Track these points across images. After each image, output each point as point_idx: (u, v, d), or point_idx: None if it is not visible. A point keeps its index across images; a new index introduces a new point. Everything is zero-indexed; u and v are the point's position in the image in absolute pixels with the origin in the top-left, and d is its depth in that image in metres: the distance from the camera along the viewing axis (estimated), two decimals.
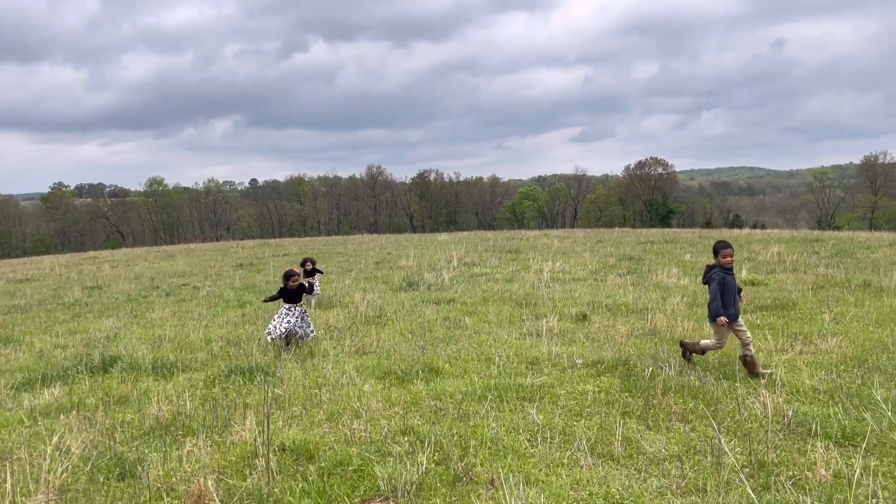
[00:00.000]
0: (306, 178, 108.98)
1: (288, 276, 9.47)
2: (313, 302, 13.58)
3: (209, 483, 4.60)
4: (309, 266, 13.91)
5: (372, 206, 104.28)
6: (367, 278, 17.69)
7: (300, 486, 4.66)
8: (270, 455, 5.04)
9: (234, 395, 7.13)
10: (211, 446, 5.61)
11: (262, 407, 6.48)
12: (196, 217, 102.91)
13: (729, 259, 7.13)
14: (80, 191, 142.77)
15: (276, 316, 9.44)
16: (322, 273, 14.82)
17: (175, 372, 8.34)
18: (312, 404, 6.69)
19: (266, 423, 5.25)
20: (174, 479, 4.97)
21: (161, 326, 11.79)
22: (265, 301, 10.08)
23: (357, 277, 18.00)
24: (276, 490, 4.58)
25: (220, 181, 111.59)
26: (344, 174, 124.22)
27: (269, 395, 6.96)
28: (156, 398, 6.92)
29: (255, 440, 5.46)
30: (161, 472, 5.09)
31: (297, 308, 9.37)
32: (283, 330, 9.16)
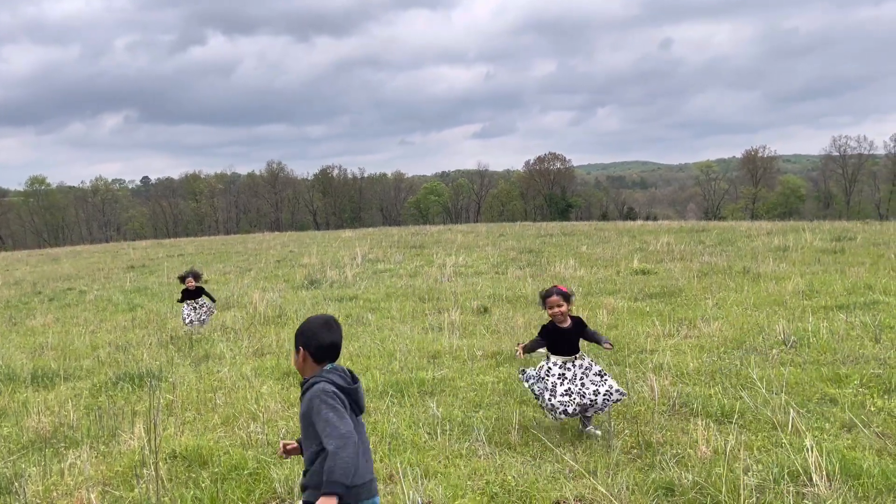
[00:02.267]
0: (202, 175, 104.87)
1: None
2: (202, 329, 10.32)
3: (92, 496, 4.37)
4: (191, 283, 10.48)
5: (273, 204, 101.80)
6: (268, 277, 17.31)
7: (192, 493, 4.50)
8: (160, 462, 4.84)
9: (123, 402, 6.81)
10: (96, 457, 5.33)
11: (151, 413, 6.21)
12: (83, 217, 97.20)
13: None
14: None
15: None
16: (214, 301, 11.01)
17: (57, 381, 7.87)
18: (207, 409, 6.48)
19: (153, 429, 5.04)
20: (55, 494, 4.70)
21: (43, 334, 11.10)
22: None
23: (256, 277, 17.58)
24: (165, 499, 4.40)
25: (109, 179, 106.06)
26: (242, 171, 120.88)
27: (156, 399, 6.68)
28: (35, 410, 6.51)
29: (143, 448, 5.23)
30: (40, 488, 4.79)
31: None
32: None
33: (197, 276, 10.79)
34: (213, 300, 10.88)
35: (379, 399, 6.43)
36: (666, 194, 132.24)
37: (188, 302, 10.53)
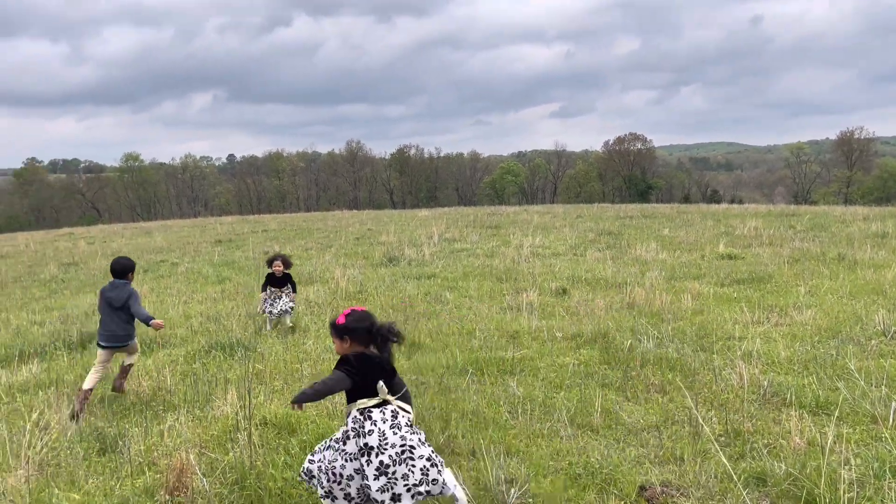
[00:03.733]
0: (285, 154, 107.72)
1: None
2: (288, 320, 9.13)
3: (191, 457, 4.60)
4: (279, 269, 9.24)
5: (351, 182, 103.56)
6: (348, 254, 17.64)
7: (282, 458, 4.67)
8: (252, 429, 5.04)
9: (215, 370, 7.11)
10: (192, 421, 5.60)
11: (243, 382, 6.47)
12: (173, 193, 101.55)
13: None
14: (54, 166, 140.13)
15: None
16: (295, 291, 9.47)
17: (155, 348, 8.29)
18: (294, 379, 6.69)
19: (247, 397, 5.25)
20: (155, 454, 4.97)
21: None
22: None
23: (337, 253, 17.94)
24: (258, 463, 4.59)
25: (198, 156, 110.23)
26: (323, 149, 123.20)
27: (250, 369, 6.95)
28: (136, 374, 6.88)
29: (236, 414, 5.46)
30: (142, 447, 5.08)
31: None
32: None
33: (286, 262, 9.40)
34: (294, 290, 9.40)
35: (459, 376, 6.49)
36: (752, 177, 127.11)
37: (270, 290, 9.17)
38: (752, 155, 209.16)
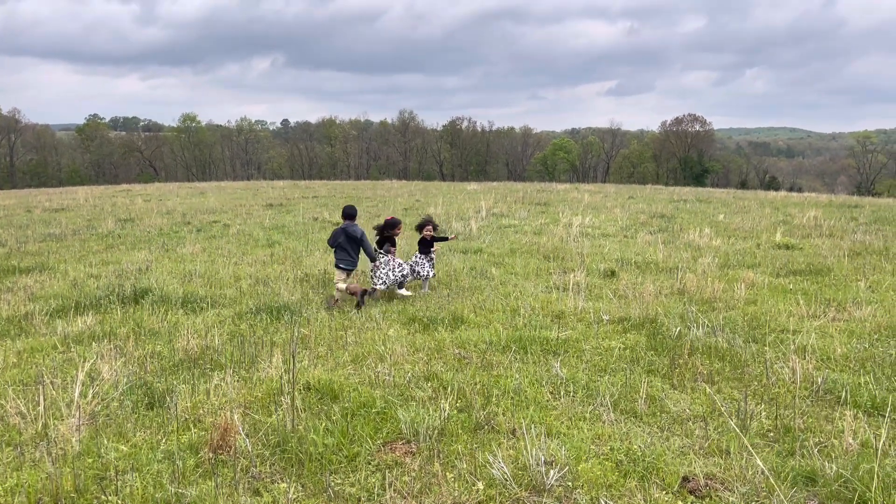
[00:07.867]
0: (338, 121, 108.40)
1: None
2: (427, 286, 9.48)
3: (235, 417, 4.68)
4: (428, 233, 9.59)
5: (402, 152, 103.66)
6: None
7: (324, 424, 4.72)
8: (296, 393, 5.10)
9: (262, 332, 7.22)
10: (238, 381, 5.69)
11: (288, 346, 6.55)
12: (228, 155, 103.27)
13: None
14: (115, 124, 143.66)
15: None
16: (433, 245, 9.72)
17: (204, 307, 8.45)
18: (338, 346, 6.75)
19: (291, 362, 5.30)
20: (201, 411, 5.07)
21: (191, 262, 11.93)
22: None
23: None
24: (300, 427, 4.64)
25: (253, 120, 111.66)
26: (376, 118, 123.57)
27: (295, 333, 7.04)
28: (185, 331, 7.03)
29: (280, 378, 5.53)
30: (189, 404, 5.19)
31: None
32: None
33: (433, 224, 9.80)
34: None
35: (502, 353, 6.45)
36: (814, 165, 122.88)
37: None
38: (816, 142, 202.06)
